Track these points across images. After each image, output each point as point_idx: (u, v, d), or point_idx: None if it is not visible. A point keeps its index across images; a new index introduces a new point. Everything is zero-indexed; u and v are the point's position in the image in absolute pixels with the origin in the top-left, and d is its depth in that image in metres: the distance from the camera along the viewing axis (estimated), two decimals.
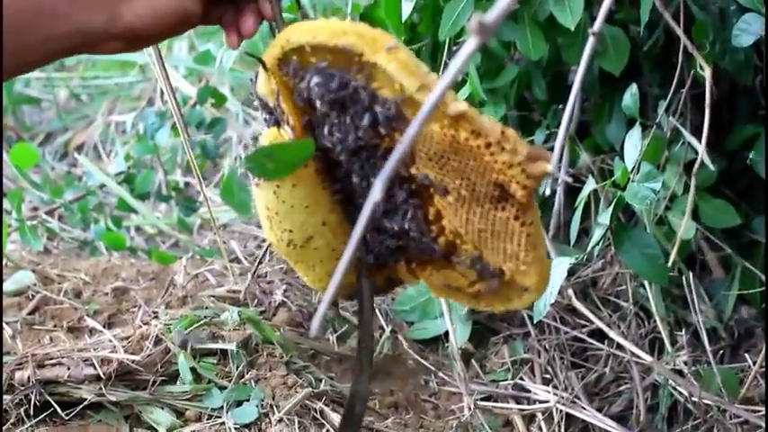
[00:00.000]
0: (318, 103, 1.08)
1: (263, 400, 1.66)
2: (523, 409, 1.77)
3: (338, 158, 1.13)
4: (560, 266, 1.70)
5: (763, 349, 1.69)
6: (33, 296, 1.94)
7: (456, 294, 1.21)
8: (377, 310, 1.94)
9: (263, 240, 2.29)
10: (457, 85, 1.74)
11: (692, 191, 1.19)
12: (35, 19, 0.98)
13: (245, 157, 1.08)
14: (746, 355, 1.78)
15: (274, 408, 1.66)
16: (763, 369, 1.70)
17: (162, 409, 1.67)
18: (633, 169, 1.61)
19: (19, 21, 0.97)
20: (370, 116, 1.07)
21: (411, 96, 1.03)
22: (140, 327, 1.78)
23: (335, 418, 1.65)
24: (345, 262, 0.70)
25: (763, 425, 1.63)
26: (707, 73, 1.06)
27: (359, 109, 1.07)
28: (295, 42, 1.07)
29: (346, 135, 1.10)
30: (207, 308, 1.85)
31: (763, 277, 1.80)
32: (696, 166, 1.18)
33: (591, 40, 0.97)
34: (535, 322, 1.91)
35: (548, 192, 1.25)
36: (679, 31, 1.11)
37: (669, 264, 1.24)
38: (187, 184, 2.72)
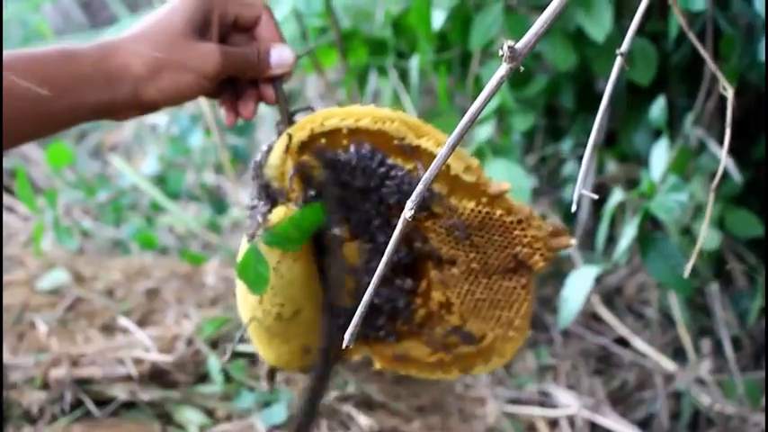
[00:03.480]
0: (349, 180, 1.15)
1: (292, 402, 1.69)
2: (548, 415, 1.79)
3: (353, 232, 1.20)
4: (587, 275, 1.73)
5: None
6: (67, 295, 1.98)
7: (408, 365, 1.29)
8: None
9: None
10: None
11: (711, 201, 1.21)
12: (70, 86, 1.02)
13: (269, 234, 1.11)
14: None
15: None
16: None
17: (193, 408, 1.70)
18: (660, 180, 1.63)
19: (56, 87, 1.01)
20: (398, 195, 1.15)
21: (456, 175, 1.13)
22: (172, 327, 1.82)
23: (362, 420, 1.68)
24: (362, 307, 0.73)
25: None
26: (729, 93, 1.08)
27: (389, 186, 1.15)
28: (331, 126, 1.12)
29: (366, 212, 1.18)
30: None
31: None
32: (717, 178, 1.19)
33: (619, 60, 0.99)
34: (560, 330, 1.94)
35: (575, 201, 1.28)
36: (703, 52, 1.13)
37: (688, 273, 1.26)
38: (218, 185, 2.76)
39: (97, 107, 1.05)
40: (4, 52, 0.99)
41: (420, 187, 0.71)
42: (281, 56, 1.14)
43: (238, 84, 1.17)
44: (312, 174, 1.14)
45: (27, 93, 0.99)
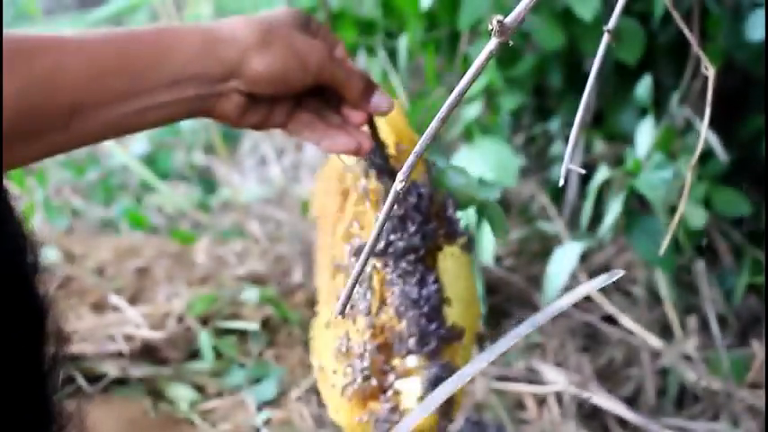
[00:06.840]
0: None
1: (282, 378, 1.70)
2: (535, 391, 1.80)
3: None
4: (572, 250, 1.74)
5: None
6: (58, 273, 1.98)
7: None
8: None
9: (282, 221, 2.34)
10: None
11: (689, 178, 1.22)
12: (167, 55, 0.92)
13: None
14: (753, 341, 1.82)
15: (293, 385, 1.70)
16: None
17: (183, 385, 1.71)
18: (645, 158, 1.64)
19: (152, 57, 0.91)
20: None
21: None
22: (163, 305, 1.83)
23: None
24: None
25: None
26: (710, 73, 1.09)
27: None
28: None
29: None
30: (227, 287, 1.90)
31: None
32: (695, 155, 1.20)
33: (606, 37, 1.00)
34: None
35: (563, 175, 1.29)
36: (687, 32, 1.14)
37: (673, 250, 1.27)
38: (207, 165, 2.77)
39: (197, 83, 0.94)
40: (91, 30, 0.91)
41: (411, 158, 0.73)
42: (381, 101, 1.09)
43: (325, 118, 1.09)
44: None
45: (121, 69, 0.89)
